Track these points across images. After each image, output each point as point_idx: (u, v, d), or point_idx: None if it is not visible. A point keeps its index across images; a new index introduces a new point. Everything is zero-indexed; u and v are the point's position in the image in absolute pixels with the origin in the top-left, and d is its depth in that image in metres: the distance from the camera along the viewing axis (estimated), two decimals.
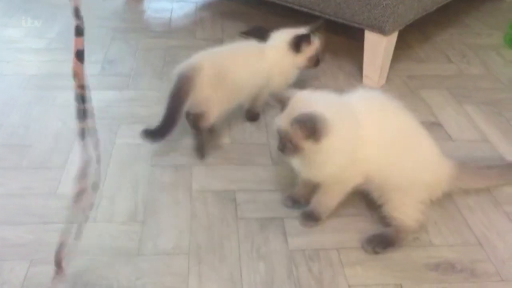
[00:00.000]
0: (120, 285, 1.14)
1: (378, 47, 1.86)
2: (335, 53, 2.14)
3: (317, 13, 1.97)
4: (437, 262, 1.23)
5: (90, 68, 1.99)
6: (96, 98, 1.82)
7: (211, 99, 1.49)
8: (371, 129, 1.19)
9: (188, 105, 1.48)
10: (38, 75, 1.95)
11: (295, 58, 1.67)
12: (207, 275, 1.18)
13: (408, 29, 2.02)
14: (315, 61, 1.70)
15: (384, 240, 1.26)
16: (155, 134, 1.48)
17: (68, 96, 1.85)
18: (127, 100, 1.82)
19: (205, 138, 1.57)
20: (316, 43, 1.69)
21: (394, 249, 1.25)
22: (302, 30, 1.68)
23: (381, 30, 1.81)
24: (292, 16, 2.38)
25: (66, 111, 1.73)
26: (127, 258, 1.21)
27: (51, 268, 1.09)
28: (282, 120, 1.17)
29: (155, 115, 1.72)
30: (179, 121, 1.47)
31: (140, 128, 1.65)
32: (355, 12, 1.83)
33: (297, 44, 1.65)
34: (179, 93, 1.46)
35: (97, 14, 2.44)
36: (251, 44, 1.69)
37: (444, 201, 1.37)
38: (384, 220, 1.28)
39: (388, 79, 1.97)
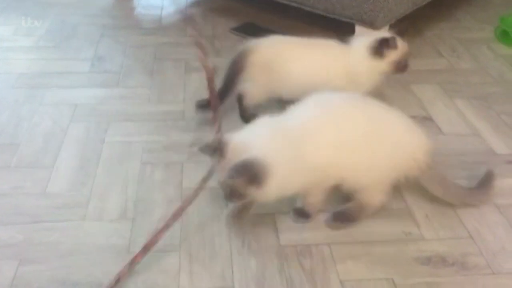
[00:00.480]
0: (110, 283, 1.14)
1: None
2: None
3: (307, 8, 1.97)
4: (428, 256, 1.23)
5: (80, 66, 1.99)
6: (86, 95, 1.84)
7: (255, 81, 1.57)
8: (327, 135, 1.18)
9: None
10: (28, 74, 1.93)
11: (378, 64, 1.55)
12: (198, 272, 1.17)
13: (399, 24, 2.02)
14: (402, 66, 1.59)
15: (345, 216, 1.30)
16: (206, 105, 1.59)
17: (58, 95, 1.84)
18: (117, 97, 1.80)
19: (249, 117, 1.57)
20: (402, 47, 1.57)
21: (357, 224, 1.30)
22: (385, 34, 1.60)
23: (372, 24, 1.81)
24: (283, 12, 2.38)
25: (56, 110, 1.72)
26: (118, 256, 1.20)
27: (40, 268, 1.08)
28: (221, 172, 1.15)
29: (146, 112, 1.73)
30: (230, 95, 1.57)
31: (130, 125, 1.66)
32: (346, 6, 1.83)
33: (379, 48, 1.54)
34: (233, 68, 1.59)
35: (86, 11, 2.43)
36: (331, 45, 1.62)
37: (435, 195, 1.37)
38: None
39: None
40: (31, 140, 1.58)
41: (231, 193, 1.15)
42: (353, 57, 1.57)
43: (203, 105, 1.63)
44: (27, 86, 1.85)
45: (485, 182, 1.36)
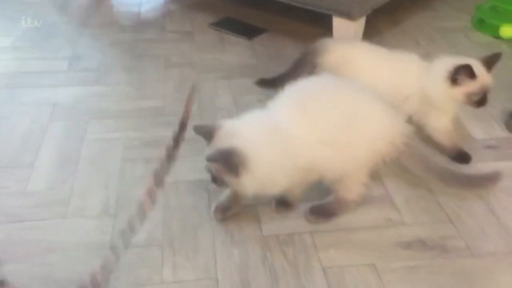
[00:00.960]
0: (93, 280, 1.12)
1: (346, 33, 1.87)
2: (305, 40, 2.13)
3: (286, 1, 1.98)
4: (409, 240, 1.25)
5: (58, 65, 1.97)
6: (65, 94, 1.82)
7: None
8: (303, 130, 1.17)
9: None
10: (6, 74, 1.92)
11: (452, 91, 1.41)
12: (182, 265, 1.17)
13: (377, 14, 2.04)
14: (478, 100, 1.42)
15: (325, 211, 1.30)
16: (269, 83, 1.65)
17: (36, 94, 1.83)
18: (96, 95, 1.79)
19: None
20: (481, 78, 1.40)
21: (334, 217, 1.30)
22: (468, 60, 1.42)
23: (349, 15, 1.82)
24: (261, 6, 2.39)
25: (35, 109, 1.70)
26: (100, 252, 1.19)
27: (22, 266, 1.07)
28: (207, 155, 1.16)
29: (126, 109, 1.72)
30: (292, 79, 1.48)
31: (110, 123, 1.65)
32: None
33: (454, 75, 1.39)
34: (302, 60, 1.60)
35: (64, 10, 2.40)
36: (412, 60, 1.52)
37: (415, 181, 1.38)
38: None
39: None
40: (11, 140, 1.57)
41: (212, 177, 1.17)
42: (431, 77, 1.45)
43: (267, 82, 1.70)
44: (5, 86, 1.84)
45: (484, 177, 1.35)
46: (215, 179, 1.18)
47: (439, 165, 1.32)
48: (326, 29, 1.91)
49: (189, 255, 1.20)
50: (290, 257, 1.20)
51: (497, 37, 2.19)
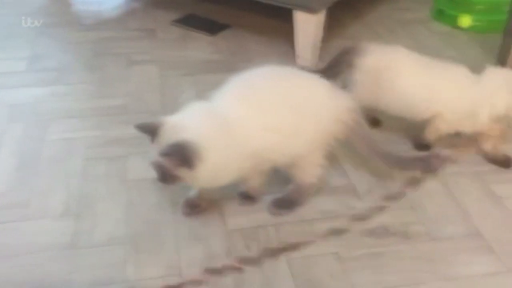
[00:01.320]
0: (52, 281, 1.11)
1: (308, 26, 1.88)
2: (268, 35, 2.15)
3: None
4: (372, 227, 1.27)
5: (16, 65, 1.93)
6: (24, 95, 1.78)
7: (360, 85, 1.47)
8: (248, 118, 1.17)
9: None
10: None
11: None
12: (145, 262, 1.16)
13: (340, 7, 2.06)
14: None
15: (288, 201, 1.31)
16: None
17: None
18: (57, 95, 1.76)
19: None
20: None
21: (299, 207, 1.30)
22: None
23: (309, 9, 1.83)
24: (224, 2, 2.38)
25: None
26: (61, 253, 1.18)
27: None
28: (154, 153, 1.14)
29: (87, 108, 1.70)
30: (329, 77, 1.43)
31: (72, 122, 1.62)
32: None
33: None
34: (340, 60, 1.54)
35: (22, 9, 2.34)
36: (460, 71, 1.45)
37: (379, 169, 1.40)
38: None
39: (321, 57, 1.99)
40: None
41: (163, 174, 1.14)
42: (486, 91, 1.39)
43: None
44: None
45: (425, 158, 1.37)
46: (165, 177, 1.14)
47: (383, 146, 1.33)
48: (288, 22, 1.92)
49: (152, 252, 1.19)
50: (254, 249, 1.20)
51: (456, 27, 2.23)
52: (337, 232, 1.25)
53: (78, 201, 1.32)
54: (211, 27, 2.20)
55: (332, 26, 2.05)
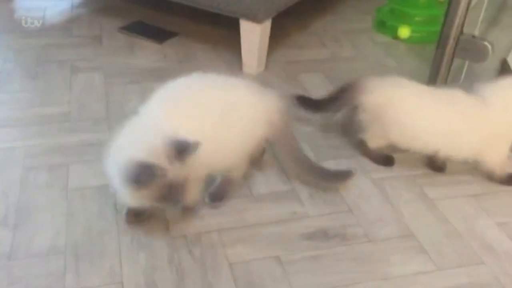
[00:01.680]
0: None
1: (253, 35, 1.92)
2: (216, 44, 2.17)
3: (192, 4, 1.99)
4: (312, 231, 1.30)
5: None
6: None
7: (368, 125, 1.45)
8: (181, 130, 1.14)
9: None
10: None
11: None
12: (86, 271, 1.15)
13: (285, 17, 2.11)
14: None
15: (219, 193, 1.36)
16: (306, 104, 1.57)
17: None
18: None
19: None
20: None
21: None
22: None
23: (255, 19, 1.86)
24: (169, 9, 2.38)
25: None
26: None
27: None
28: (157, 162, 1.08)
29: (28, 117, 1.66)
30: (326, 112, 1.54)
31: (11, 131, 1.58)
32: (229, 1, 1.87)
33: None
34: (341, 96, 1.49)
35: None
36: (463, 97, 1.40)
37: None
38: None
39: (267, 65, 2.03)
40: None
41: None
42: (499, 112, 1.37)
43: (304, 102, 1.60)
44: None
45: (339, 175, 1.42)
46: (176, 192, 1.11)
47: (303, 153, 1.40)
48: (235, 31, 1.95)
49: (94, 261, 1.18)
50: (197, 256, 1.21)
51: (396, 37, 2.33)
52: (278, 236, 1.28)
53: (17, 211, 1.30)
54: (159, 35, 2.20)
55: (277, 35, 2.10)
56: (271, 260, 1.22)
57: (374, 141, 1.48)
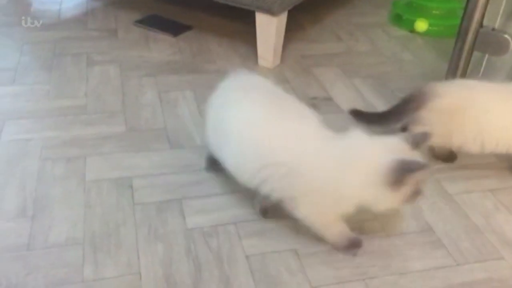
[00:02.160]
0: (8, 282, 1.09)
1: (269, 28, 1.91)
2: (231, 37, 2.17)
3: None
4: None
5: None
6: None
7: (434, 129, 1.36)
8: None
9: (412, 120, 1.44)
10: None
11: None
12: (103, 262, 1.16)
13: (300, 11, 2.10)
14: None
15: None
16: (362, 117, 1.53)
17: None
18: (13, 95, 1.72)
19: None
20: None
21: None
22: None
23: (270, 11, 1.85)
24: (186, 4, 2.39)
25: None
26: (16, 254, 1.16)
27: None
28: None
29: (45, 109, 1.67)
30: (390, 123, 1.48)
31: (28, 123, 1.59)
32: None
33: None
34: (407, 106, 1.45)
35: None
36: None
37: None
38: None
39: (282, 59, 2.02)
40: None
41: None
42: None
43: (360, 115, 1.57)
44: None
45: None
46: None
47: None
48: (250, 25, 1.94)
49: (111, 252, 1.18)
50: (214, 248, 1.21)
51: (413, 31, 2.31)
52: (295, 230, 1.27)
53: (35, 203, 1.30)
54: (174, 28, 2.20)
55: (292, 29, 2.09)
56: (288, 253, 1.21)
57: (439, 142, 1.44)
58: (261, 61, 1.99)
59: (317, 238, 1.24)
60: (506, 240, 1.27)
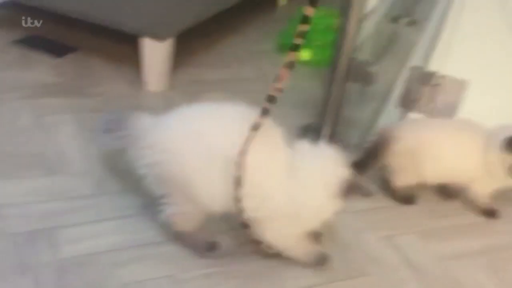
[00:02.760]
0: None
1: (155, 53, 1.91)
2: (117, 59, 2.13)
3: (90, 20, 1.95)
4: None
5: None
6: None
7: (401, 167, 1.54)
8: None
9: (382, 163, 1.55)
10: None
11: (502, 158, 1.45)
12: None
13: (191, 35, 2.12)
14: None
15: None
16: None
17: None
18: None
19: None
20: None
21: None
22: None
23: (156, 36, 1.86)
24: (72, 25, 2.31)
25: None
26: None
27: None
28: None
29: None
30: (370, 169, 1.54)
31: None
32: (129, 20, 1.86)
33: (508, 146, 1.43)
34: (375, 152, 1.54)
35: None
36: (476, 129, 1.52)
37: None
38: None
39: (172, 83, 2.02)
40: None
41: None
42: (491, 146, 1.47)
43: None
44: None
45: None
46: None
47: None
48: (138, 48, 1.93)
49: None
50: (87, 278, 1.18)
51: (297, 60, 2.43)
52: (173, 256, 1.27)
53: None
54: (57, 49, 2.13)
55: (183, 54, 2.11)
56: (165, 279, 1.22)
57: (404, 180, 1.56)
58: (147, 86, 1.98)
59: (194, 262, 1.26)
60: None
